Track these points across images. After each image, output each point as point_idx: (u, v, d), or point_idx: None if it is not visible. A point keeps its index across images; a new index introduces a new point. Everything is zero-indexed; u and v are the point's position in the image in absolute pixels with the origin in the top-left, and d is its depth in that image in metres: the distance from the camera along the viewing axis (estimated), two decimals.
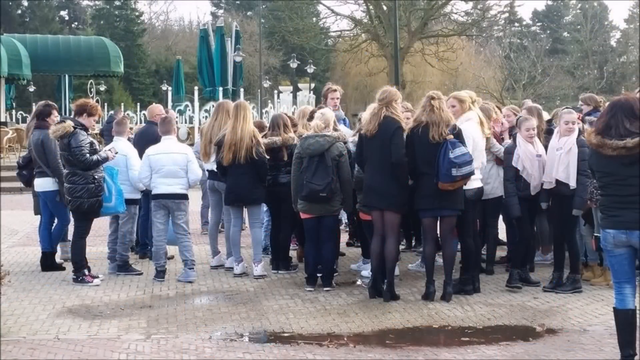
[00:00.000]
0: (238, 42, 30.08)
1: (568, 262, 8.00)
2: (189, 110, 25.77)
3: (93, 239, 10.03)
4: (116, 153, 8.59)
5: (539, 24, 73.02)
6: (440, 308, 7.29)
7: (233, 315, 7.13)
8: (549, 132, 8.41)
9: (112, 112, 19.46)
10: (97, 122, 13.22)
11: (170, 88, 31.99)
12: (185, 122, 25.11)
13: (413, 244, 10.27)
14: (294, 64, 43.32)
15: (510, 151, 8.02)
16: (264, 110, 29.94)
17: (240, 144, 8.37)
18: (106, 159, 8.41)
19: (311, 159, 7.91)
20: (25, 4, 58.64)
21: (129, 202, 8.82)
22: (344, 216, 10.17)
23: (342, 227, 10.26)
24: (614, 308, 5.42)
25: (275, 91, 36.17)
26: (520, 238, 8.17)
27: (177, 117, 18.74)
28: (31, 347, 6.10)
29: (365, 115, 7.83)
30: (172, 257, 9.42)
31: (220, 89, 26.17)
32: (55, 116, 9.20)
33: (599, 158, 5.32)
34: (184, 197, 8.59)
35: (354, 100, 49.17)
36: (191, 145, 12.17)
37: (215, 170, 8.91)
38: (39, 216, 9.41)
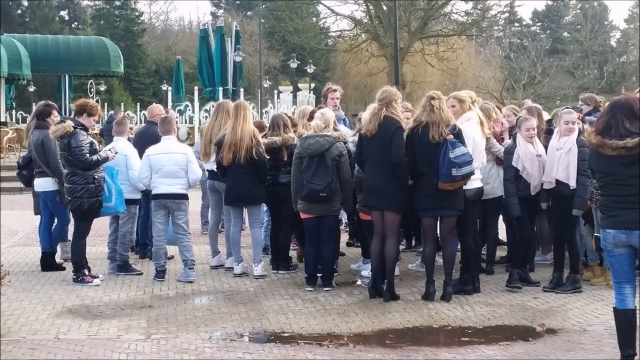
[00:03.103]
0: (238, 42, 30.09)
1: (568, 262, 8.00)
2: (189, 110, 25.78)
3: (93, 239, 10.03)
4: (116, 153, 8.59)
5: (539, 24, 73.03)
6: (440, 308, 7.29)
7: (233, 315, 7.13)
8: (549, 132, 8.41)
9: (112, 112, 19.47)
10: (97, 122, 13.22)
11: (170, 88, 32.01)
12: (185, 122, 25.12)
13: (413, 244, 10.27)
14: (294, 64, 43.33)
15: (510, 151, 8.02)
16: (264, 110, 29.95)
17: (240, 144, 8.37)
18: (106, 159, 8.41)
19: (311, 159, 7.91)
20: (25, 4, 58.65)
21: (129, 202, 8.82)
22: (344, 216, 10.17)
23: (342, 227, 10.25)
24: (614, 308, 5.42)
25: (275, 91, 36.18)
26: (520, 238, 8.17)
27: (177, 117, 18.75)
28: (31, 347, 6.10)
29: (365, 115, 7.83)
30: (172, 257, 9.42)
31: (220, 89, 26.18)
32: (55, 116, 9.21)
33: (599, 158, 5.32)
34: (184, 197, 8.59)
35: (354, 100, 49.18)
36: (191, 145, 12.18)
37: (215, 170, 8.91)
38: (39, 216, 9.41)
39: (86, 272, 8.45)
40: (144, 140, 9.46)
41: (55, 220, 9.21)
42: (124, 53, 37.13)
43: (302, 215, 8.14)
